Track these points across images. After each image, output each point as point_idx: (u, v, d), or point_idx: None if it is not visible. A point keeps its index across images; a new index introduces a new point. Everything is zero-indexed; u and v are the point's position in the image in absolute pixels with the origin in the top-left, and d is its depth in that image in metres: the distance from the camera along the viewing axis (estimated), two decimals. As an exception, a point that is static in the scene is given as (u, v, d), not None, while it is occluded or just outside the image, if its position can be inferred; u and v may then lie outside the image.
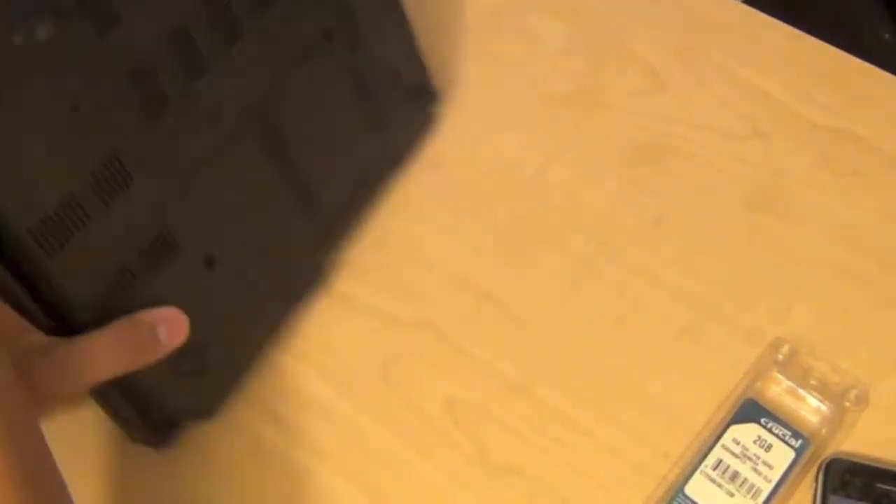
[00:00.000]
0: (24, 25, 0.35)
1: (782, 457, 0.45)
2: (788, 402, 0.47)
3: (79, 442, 0.47)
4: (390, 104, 0.53)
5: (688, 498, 0.44)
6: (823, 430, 0.46)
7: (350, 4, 0.50)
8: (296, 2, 0.47)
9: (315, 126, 0.49)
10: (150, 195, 0.41)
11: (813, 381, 0.47)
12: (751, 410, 0.46)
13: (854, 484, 0.44)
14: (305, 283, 0.51)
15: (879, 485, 0.44)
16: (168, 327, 0.42)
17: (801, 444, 0.45)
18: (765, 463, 0.45)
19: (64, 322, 0.40)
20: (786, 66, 0.59)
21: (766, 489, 0.44)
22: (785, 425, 0.45)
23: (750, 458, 0.45)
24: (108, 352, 0.41)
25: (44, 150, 0.37)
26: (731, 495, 0.44)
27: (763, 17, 0.62)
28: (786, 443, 0.45)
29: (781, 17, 0.62)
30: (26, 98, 0.36)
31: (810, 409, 0.47)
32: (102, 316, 0.41)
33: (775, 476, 0.44)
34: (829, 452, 0.45)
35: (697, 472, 0.44)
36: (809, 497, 0.44)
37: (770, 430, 0.45)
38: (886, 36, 0.89)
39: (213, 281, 0.45)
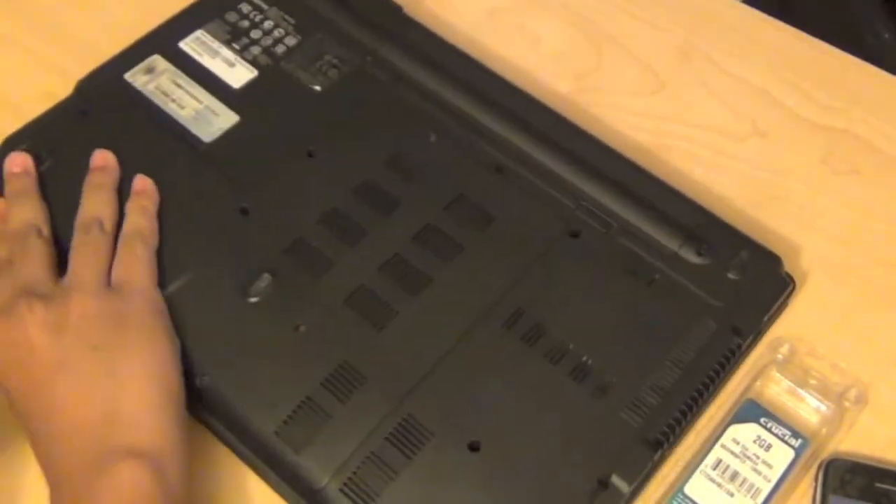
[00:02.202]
0: (251, 288, 0.47)
1: (782, 456, 0.45)
2: (788, 402, 0.47)
3: None
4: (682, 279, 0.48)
5: (688, 497, 0.44)
6: (823, 430, 0.46)
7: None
8: (520, 216, 0.50)
9: (582, 313, 0.47)
10: (388, 390, 0.44)
11: (812, 381, 0.47)
12: (750, 410, 0.46)
13: (854, 483, 0.44)
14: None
15: (879, 485, 0.44)
16: None
17: (800, 444, 0.45)
18: (764, 462, 0.45)
19: None
20: (786, 66, 0.59)
21: (766, 489, 0.44)
22: (784, 425, 0.45)
23: (749, 458, 0.45)
24: None
25: (275, 365, 0.45)
26: (731, 495, 0.44)
27: (763, 17, 0.62)
28: (785, 442, 0.45)
29: (781, 17, 0.62)
30: (251, 330, 0.46)
31: (810, 408, 0.47)
32: None
33: (775, 476, 0.44)
34: (828, 452, 0.45)
35: (697, 472, 0.44)
36: (809, 497, 0.44)
37: (770, 430, 0.45)
38: (886, 36, 0.89)
39: (484, 465, 0.43)
